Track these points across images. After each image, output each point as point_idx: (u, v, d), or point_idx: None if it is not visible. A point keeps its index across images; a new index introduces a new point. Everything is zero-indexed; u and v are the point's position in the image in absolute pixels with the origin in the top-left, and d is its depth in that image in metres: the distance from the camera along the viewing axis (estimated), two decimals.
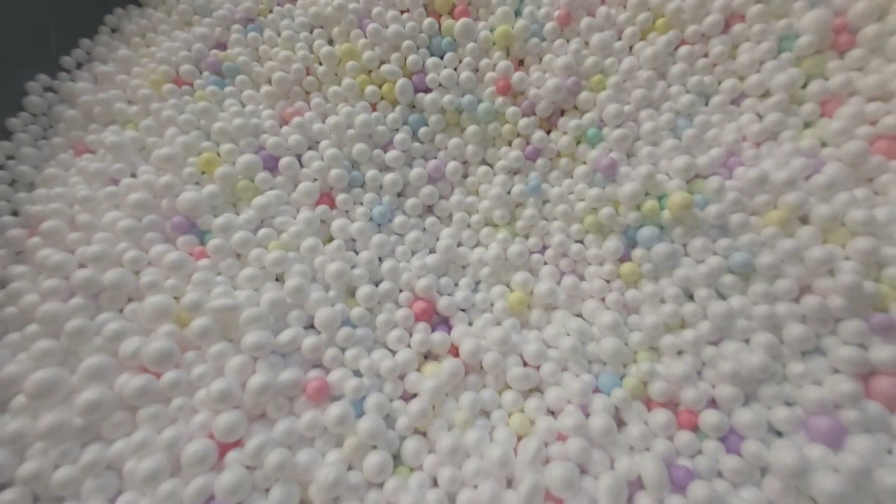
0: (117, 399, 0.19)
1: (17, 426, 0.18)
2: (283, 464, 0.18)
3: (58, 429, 0.18)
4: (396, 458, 0.19)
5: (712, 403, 0.19)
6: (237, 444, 0.18)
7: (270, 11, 0.32)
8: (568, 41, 0.28)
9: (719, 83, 0.26)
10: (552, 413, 0.20)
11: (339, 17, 0.29)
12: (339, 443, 0.19)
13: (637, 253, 0.23)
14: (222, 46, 0.31)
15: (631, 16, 0.27)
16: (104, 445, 0.18)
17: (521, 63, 0.29)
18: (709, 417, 0.18)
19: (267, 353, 0.20)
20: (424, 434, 0.20)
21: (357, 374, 0.21)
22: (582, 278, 0.24)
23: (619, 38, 0.27)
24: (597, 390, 0.20)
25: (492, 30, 0.28)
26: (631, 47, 0.27)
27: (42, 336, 0.20)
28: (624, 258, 0.23)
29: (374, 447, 0.19)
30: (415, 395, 0.20)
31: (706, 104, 0.26)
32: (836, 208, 0.20)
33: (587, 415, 0.19)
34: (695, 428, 0.19)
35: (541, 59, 0.28)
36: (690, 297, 0.22)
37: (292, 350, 0.21)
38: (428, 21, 0.29)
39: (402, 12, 0.30)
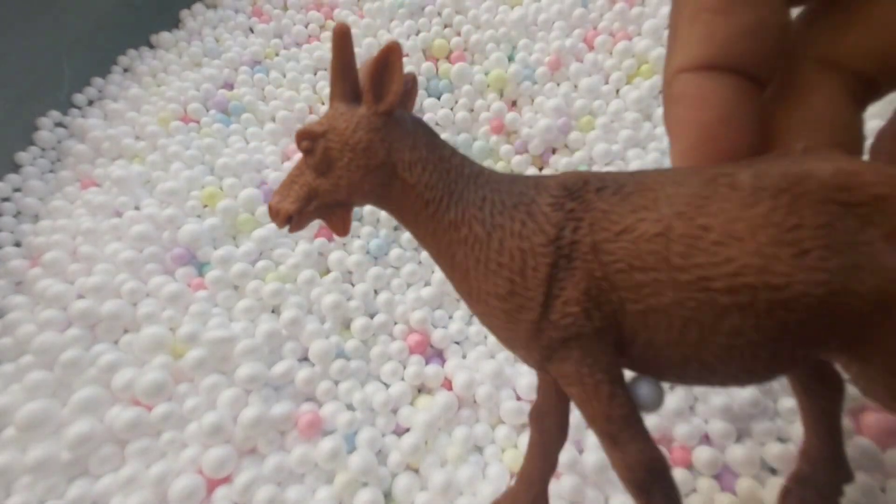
0: (107, 432, 0.19)
1: (5, 459, 0.18)
2: (273, 501, 0.17)
3: (45, 463, 0.17)
4: (388, 496, 0.19)
5: (705, 440, 0.19)
6: (226, 479, 0.18)
7: (277, 55, 0.34)
8: (558, 84, 0.29)
9: None
10: None
11: None
12: (329, 479, 0.19)
13: None
14: (229, 86, 0.33)
15: (617, 62, 0.29)
16: (91, 481, 0.18)
17: (514, 104, 0.30)
18: (702, 454, 0.18)
19: (260, 386, 0.20)
20: (416, 470, 0.19)
21: (350, 407, 0.21)
22: None
23: (607, 83, 0.29)
24: None
25: (486, 73, 0.30)
26: (617, 90, 0.29)
27: (36, 367, 0.20)
28: None
29: (366, 484, 0.19)
30: (408, 430, 0.20)
31: None
32: None
33: (581, 451, 0.19)
34: (689, 465, 0.19)
35: (533, 101, 0.30)
36: None
37: (286, 382, 0.21)
38: (426, 65, 0.30)
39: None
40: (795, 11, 0.13)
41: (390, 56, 0.10)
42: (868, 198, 0.09)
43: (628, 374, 0.11)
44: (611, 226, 0.10)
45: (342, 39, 0.11)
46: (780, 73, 0.12)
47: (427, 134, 0.11)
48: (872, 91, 0.12)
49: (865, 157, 0.13)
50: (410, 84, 0.12)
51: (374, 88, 0.11)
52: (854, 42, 0.12)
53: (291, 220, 0.11)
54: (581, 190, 0.10)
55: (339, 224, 0.12)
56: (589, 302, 0.10)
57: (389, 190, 0.11)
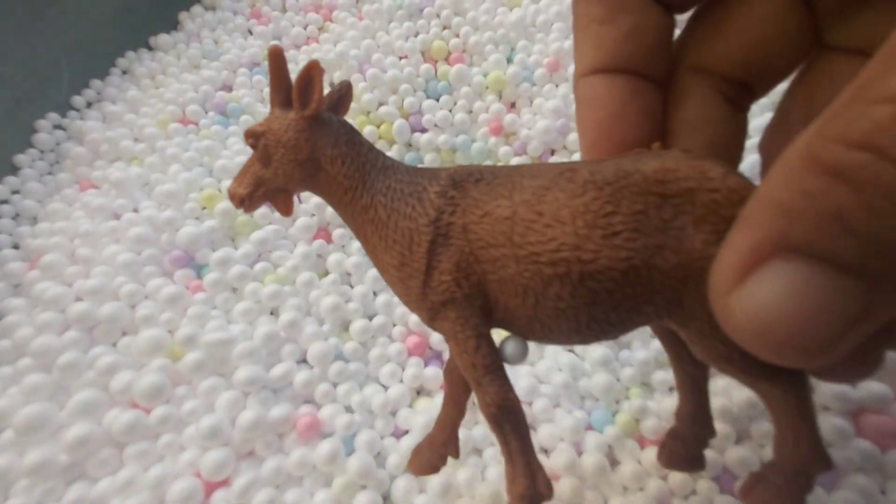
0: (105, 435, 0.19)
1: (3, 462, 0.18)
2: None
3: (43, 465, 0.17)
4: (387, 499, 0.19)
5: None
6: (224, 482, 0.18)
7: None
8: (557, 86, 0.29)
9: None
10: (545, 451, 0.20)
11: (341, 63, 0.31)
12: (328, 481, 0.19)
13: None
14: (228, 88, 0.33)
15: None
16: (89, 483, 0.18)
17: (512, 106, 0.30)
18: None
19: (259, 389, 0.20)
20: None
21: (349, 409, 0.21)
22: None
23: None
24: (589, 427, 0.20)
25: (485, 75, 0.30)
26: None
27: (34, 370, 0.20)
28: None
29: (364, 487, 0.18)
30: (406, 432, 0.20)
31: None
32: None
33: (580, 453, 0.19)
34: None
35: (531, 103, 0.30)
36: None
37: (284, 385, 0.21)
38: (425, 66, 0.30)
39: (401, 58, 0.31)
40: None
41: (312, 72, 0.12)
42: (681, 190, 0.11)
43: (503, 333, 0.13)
44: (477, 210, 0.12)
45: (277, 59, 0.13)
46: (671, 77, 0.14)
47: (348, 133, 0.13)
48: (746, 93, 0.14)
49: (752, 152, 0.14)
50: (345, 91, 0.14)
51: (300, 97, 0.13)
52: (721, 50, 0.13)
53: (245, 202, 0.13)
54: (463, 181, 0.12)
55: (283, 206, 0.14)
56: (459, 273, 0.12)
57: (317, 180, 0.13)
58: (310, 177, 0.13)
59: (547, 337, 0.12)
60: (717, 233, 0.10)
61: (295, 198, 0.27)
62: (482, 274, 0.12)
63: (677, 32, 0.14)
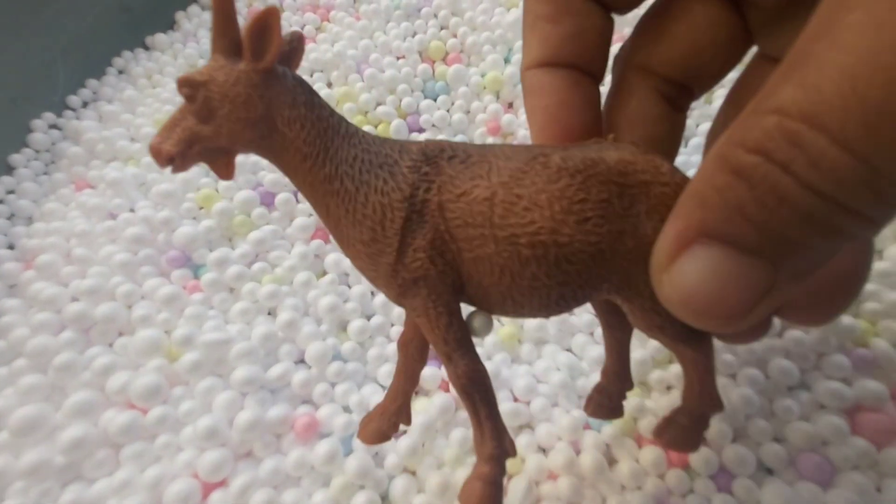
0: (101, 436, 0.19)
1: None
2: None
3: (39, 467, 0.17)
4: (385, 499, 0.19)
5: (702, 440, 0.19)
6: (222, 483, 0.18)
7: None
8: None
9: (697, 126, 0.27)
10: (543, 450, 0.20)
11: (338, 63, 0.31)
12: (326, 482, 0.19)
13: None
14: None
15: (611, 64, 0.29)
16: (85, 485, 0.18)
17: (510, 106, 0.30)
18: (698, 455, 0.18)
19: (256, 389, 0.20)
20: (414, 473, 0.19)
21: (347, 409, 0.21)
22: (571, 313, 0.24)
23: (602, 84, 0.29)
24: (587, 426, 0.20)
25: (483, 75, 0.30)
26: None
27: (29, 371, 0.20)
28: None
29: (362, 487, 0.18)
30: (404, 432, 0.20)
31: (685, 146, 0.27)
32: None
33: (578, 452, 0.19)
34: (685, 466, 0.19)
35: None
36: None
37: (282, 385, 0.21)
38: (422, 67, 0.31)
39: (398, 58, 0.31)
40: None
41: (269, 19, 0.11)
42: (637, 182, 0.12)
43: (467, 309, 0.13)
44: (454, 189, 0.12)
45: (224, 3, 0.11)
46: (615, 77, 0.15)
47: (307, 92, 0.12)
48: (686, 93, 0.15)
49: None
50: (297, 43, 0.13)
51: (253, 46, 0.11)
52: (663, 53, 0.14)
53: (174, 161, 0.12)
54: (436, 157, 0.12)
55: (223, 169, 0.13)
56: (433, 250, 0.12)
57: (270, 142, 0.12)
58: (261, 138, 0.12)
59: (516, 312, 0.13)
60: (664, 221, 0.11)
61: (293, 197, 0.27)
62: (457, 252, 0.12)
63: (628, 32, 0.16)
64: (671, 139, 0.15)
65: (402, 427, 0.20)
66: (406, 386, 0.15)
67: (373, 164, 0.12)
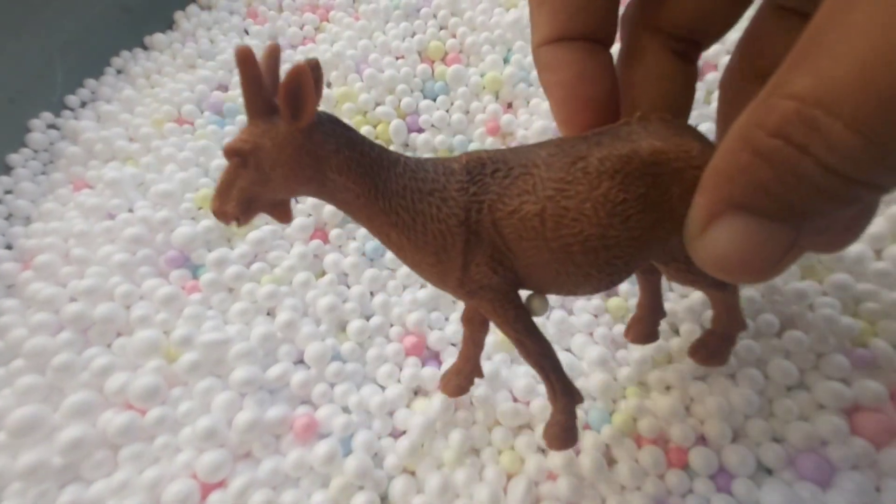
0: (100, 437, 0.18)
1: None
2: None
3: (37, 468, 0.17)
4: (384, 499, 0.19)
5: (701, 440, 0.19)
6: (220, 484, 0.18)
7: None
8: None
9: (696, 126, 0.27)
10: (542, 451, 0.20)
11: (337, 63, 0.31)
12: (325, 483, 0.19)
13: (624, 288, 0.23)
14: (224, 88, 0.33)
15: None
16: (83, 486, 0.18)
17: (509, 106, 0.30)
18: (698, 455, 0.18)
19: (255, 389, 0.20)
20: (413, 473, 0.19)
21: (346, 410, 0.21)
22: (570, 313, 0.24)
23: None
24: (587, 426, 0.20)
25: (482, 75, 0.30)
26: None
27: (27, 371, 0.20)
28: (611, 293, 0.24)
29: (362, 488, 0.18)
30: (404, 432, 0.20)
31: None
32: None
33: (577, 452, 0.19)
34: (685, 466, 0.19)
35: (528, 103, 0.30)
36: (676, 332, 0.22)
37: (281, 386, 0.21)
38: (422, 67, 0.30)
39: (398, 58, 0.31)
40: None
41: (300, 77, 0.11)
42: (671, 170, 0.13)
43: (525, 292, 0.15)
44: (504, 207, 0.13)
45: (247, 62, 0.11)
46: (624, 39, 0.16)
47: (345, 133, 0.12)
48: (695, 46, 0.16)
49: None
50: (318, 73, 0.12)
51: (290, 108, 0.11)
52: (669, 9, 0.15)
53: (238, 219, 0.12)
54: (480, 174, 0.13)
55: (283, 215, 0.13)
56: (493, 262, 0.13)
57: (324, 188, 0.13)
58: (316, 188, 0.12)
59: (570, 294, 0.14)
60: None
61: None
62: (514, 259, 0.13)
63: None
64: (686, 92, 0.16)
65: (401, 428, 0.20)
66: (475, 351, 0.18)
67: (423, 192, 0.13)
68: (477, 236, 0.13)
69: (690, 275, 0.14)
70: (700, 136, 0.14)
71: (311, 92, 0.11)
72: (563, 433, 0.15)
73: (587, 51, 0.15)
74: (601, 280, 0.14)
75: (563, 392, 0.15)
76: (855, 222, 0.13)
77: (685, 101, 0.16)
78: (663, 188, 0.13)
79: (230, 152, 0.12)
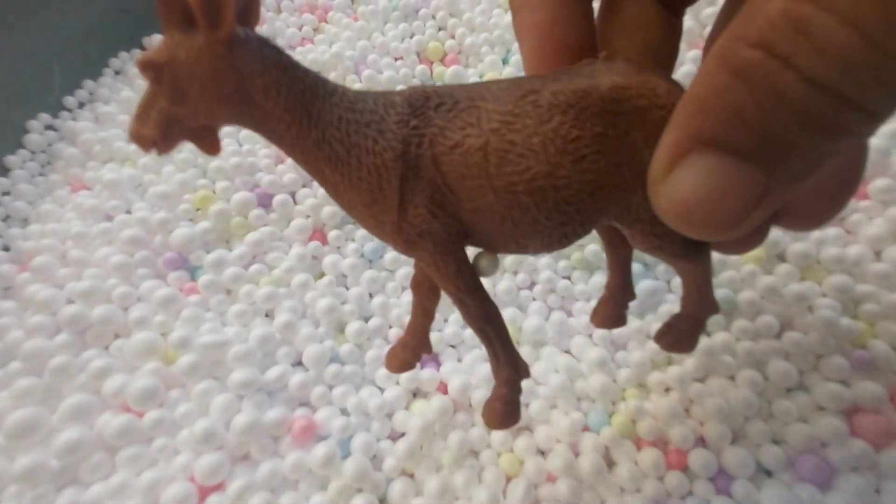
0: (97, 440, 0.18)
1: None
2: None
3: (34, 471, 0.17)
4: (383, 502, 0.19)
5: (700, 442, 0.19)
6: (218, 487, 0.18)
7: None
8: None
9: None
10: (542, 452, 0.20)
11: (336, 64, 0.31)
12: (324, 485, 0.19)
13: None
14: None
15: None
16: (81, 489, 0.18)
17: None
18: (697, 457, 0.18)
19: (253, 391, 0.20)
20: (412, 475, 0.19)
21: (344, 412, 0.21)
22: (570, 314, 0.24)
23: None
24: (586, 428, 0.20)
25: (481, 76, 0.30)
26: None
27: (24, 374, 0.20)
28: None
29: (360, 490, 0.18)
30: (403, 434, 0.20)
31: None
32: (810, 246, 0.21)
33: (576, 454, 0.19)
34: (684, 468, 0.19)
35: None
36: None
37: (279, 388, 0.21)
38: (420, 68, 0.30)
39: (396, 59, 0.31)
40: None
41: None
42: (633, 108, 0.11)
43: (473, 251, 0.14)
44: (445, 141, 0.12)
45: None
46: None
47: (276, 53, 0.11)
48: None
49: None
50: None
51: (206, 14, 0.10)
52: None
53: (157, 144, 0.11)
54: (423, 107, 0.12)
55: (209, 146, 0.12)
56: (433, 204, 0.12)
57: (250, 114, 0.11)
58: (240, 112, 0.11)
59: (521, 251, 0.13)
60: None
61: (290, 198, 0.27)
62: (457, 203, 0.12)
63: None
64: (669, 44, 0.15)
65: (400, 430, 0.20)
66: (424, 322, 0.16)
67: (359, 124, 0.12)
68: (416, 173, 0.12)
69: (656, 238, 0.13)
70: (669, 78, 0.12)
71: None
72: (504, 408, 0.14)
73: None
74: (552, 231, 0.12)
75: (508, 362, 0.14)
76: (839, 182, 0.11)
77: (669, 53, 0.15)
78: (624, 129, 0.12)
79: (142, 65, 0.11)
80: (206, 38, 0.10)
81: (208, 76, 0.10)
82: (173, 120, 0.11)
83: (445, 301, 0.25)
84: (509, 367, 0.14)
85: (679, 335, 0.16)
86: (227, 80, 0.11)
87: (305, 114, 0.11)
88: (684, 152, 0.09)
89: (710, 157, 0.09)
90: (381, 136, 0.12)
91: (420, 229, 0.12)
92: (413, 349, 0.16)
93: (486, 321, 0.13)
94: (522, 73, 0.31)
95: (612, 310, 0.18)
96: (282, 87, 0.11)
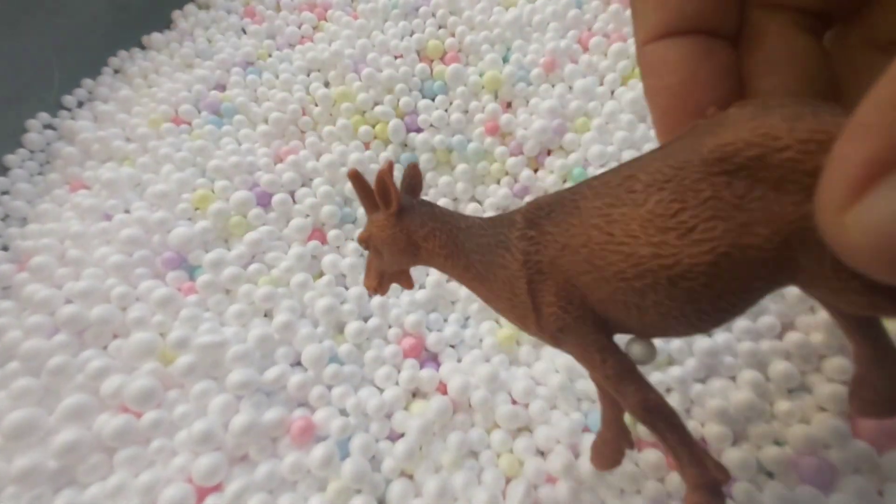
0: (95, 440, 0.18)
1: None
2: None
3: (31, 472, 0.17)
4: (382, 503, 0.19)
5: (702, 443, 0.19)
6: (216, 488, 0.18)
7: (270, 56, 0.34)
8: (553, 86, 0.29)
9: None
10: (541, 453, 0.19)
11: (336, 62, 0.31)
12: (322, 486, 0.19)
13: None
14: (221, 88, 0.32)
15: (612, 63, 0.29)
16: (78, 490, 0.18)
17: (508, 105, 0.30)
18: None
19: (252, 392, 0.20)
20: (411, 476, 0.19)
21: (343, 412, 0.21)
22: None
23: (602, 84, 0.29)
24: (586, 429, 0.20)
25: (481, 75, 0.30)
26: (612, 92, 0.29)
27: (22, 374, 0.20)
28: None
29: (359, 491, 0.18)
30: (402, 435, 0.20)
31: None
32: None
33: (577, 455, 0.19)
34: None
35: (528, 102, 0.29)
36: None
37: (278, 388, 0.21)
38: (420, 66, 0.30)
39: (396, 58, 0.31)
40: None
41: (383, 178, 0.14)
42: (745, 160, 0.10)
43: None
44: (556, 244, 0.13)
45: (358, 180, 0.15)
46: (743, 24, 0.13)
47: (431, 210, 0.15)
48: (825, 21, 0.13)
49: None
50: (413, 173, 0.16)
51: (382, 200, 0.14)
52: None
53: (378, 289, 0.16)
54: (536, 217, 0.13)
55: (405, 282, 0.16)
56: (562, 301, 0.13)
57: (420, 256, 0.15)
58: (415, 256, 0.15)
59: (666, 334, 0.13)
60: (804, 190, 0.10)
61: (289, 198, 0.28)
62: (583, 296, 0.13)
63: None
64: (825, 73, 0.13)
65: (399, 431, 0.20)
66: (615, 412, 0.16)
67: (492, 246, 0.14)
68: (540, 276, 0.13)
69: (838, 282, 0.10)
70: (812, 110, 0.10)
71: (392, 187, 0.14)
72: None
73: (702, 48, 0.12)
74: (682, 310, 0.11)
75: (690, 461, 0.12)
76: None
77: (826, 82, 0.13)
78: (743, 186, 0.10)
79: (359, 241, 0.16)
80: (384, 214, 0.15)
81: (391, 240, 0.14)
82: (382, 272, 0.16)
83: (446, 301, 0.25)
84: (694, 467, 0.12)
85: (872, 400, 0.15)
86: (400, 238, 0.14)
87: (455, 247, 0.14)
88: (884, 170, 0.07)
89: None
90: (508, 251, 0.13)
91: (558, 325, 0.13)
92: (612, 444, 0.17)
93: (647, 410, 0.12)
94: (522, 73, 0.31)
95: (874, 392, 0.15)
96: (436, 232, 0.14)
